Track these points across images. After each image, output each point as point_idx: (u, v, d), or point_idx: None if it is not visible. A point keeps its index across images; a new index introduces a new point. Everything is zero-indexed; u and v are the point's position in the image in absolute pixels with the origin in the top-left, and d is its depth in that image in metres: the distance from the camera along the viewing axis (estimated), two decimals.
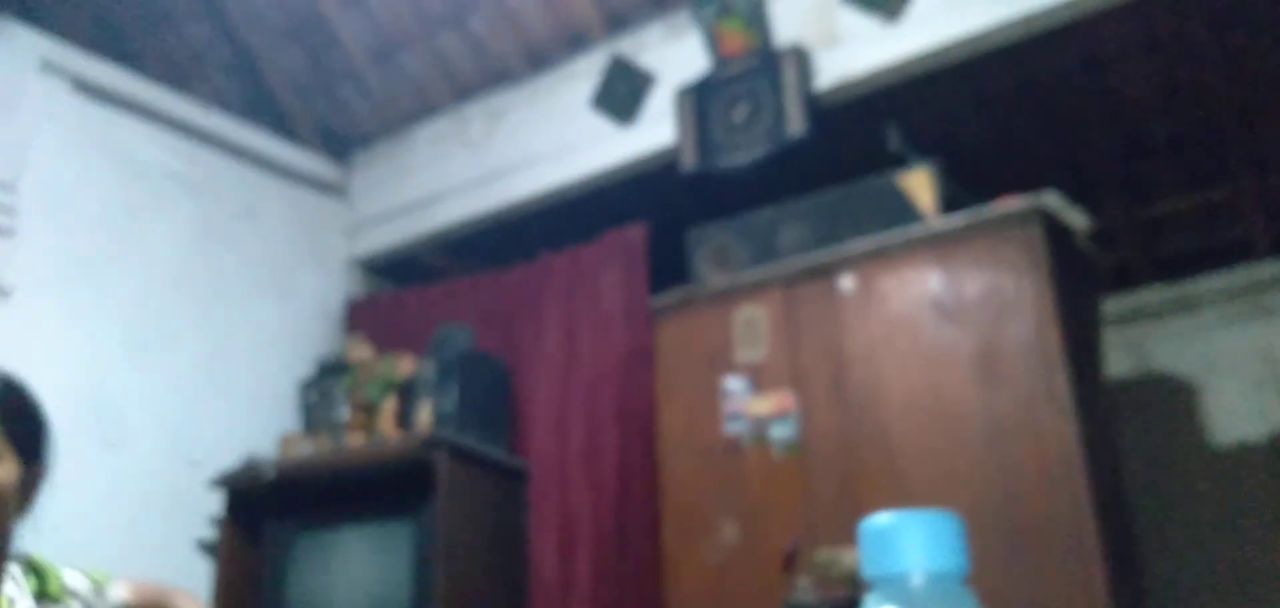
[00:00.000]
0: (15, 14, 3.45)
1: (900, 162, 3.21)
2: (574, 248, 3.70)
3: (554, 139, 3.83)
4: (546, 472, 3.43)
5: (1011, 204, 2.85)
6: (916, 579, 0.60)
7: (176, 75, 4.01)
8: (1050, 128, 3.72)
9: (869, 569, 0.62)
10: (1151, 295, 4.40)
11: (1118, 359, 4.31)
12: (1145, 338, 4.42)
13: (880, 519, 0.63)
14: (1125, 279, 4.39)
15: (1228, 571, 3.99)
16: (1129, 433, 3.97)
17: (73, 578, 1.50)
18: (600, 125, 3.73)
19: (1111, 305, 4.30)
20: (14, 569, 1.44)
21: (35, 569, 1.47)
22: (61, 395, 3.10)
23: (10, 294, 3.16)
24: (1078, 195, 3.08)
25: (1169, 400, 4.31)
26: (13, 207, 3.25)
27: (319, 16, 4.03)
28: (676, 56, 3.58)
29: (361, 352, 3.58)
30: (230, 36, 4.18)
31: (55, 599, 1.44)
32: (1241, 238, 4.11)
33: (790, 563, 2.93)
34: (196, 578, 3.31)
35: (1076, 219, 2.94)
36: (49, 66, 3.48)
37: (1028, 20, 2.93)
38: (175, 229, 3.64)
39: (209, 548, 3.32)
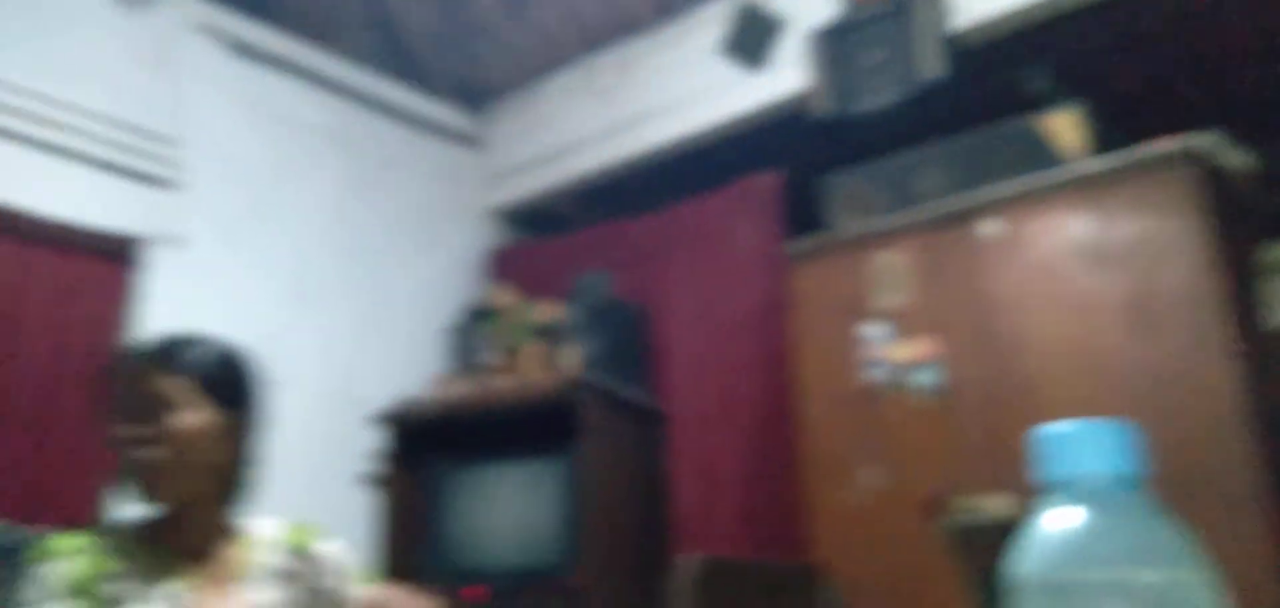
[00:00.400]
0: None
1: (1042, 103, 3.15)
2: (706, 196, 3.75)
3: (683, 87, 3.86)
4: (686, 416, 3.52)
5: (1168, 145, 2.78)
6: (1096, 482, 0.62)
7: (319, 33, 4.16)
8: (1205, 65, 3.58)
9: (1046, 474, 0.64)
10: None
11: None
12: None
13: (1057, 425, 0.64)
14: None
15: None
16: None
17: (326, 546, 1.62)
18: (729, 72, 3.74)
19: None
20: (267, 520, 1.58)
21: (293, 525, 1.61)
22: (234, 331, 3.31)
23: (184, 245, 3.36)
24: (1238, 136, 2.99)
25: None
26: (179, 161, 3.45)
27: None
28: (806, 1, 3.56)
29: (506, 298, 3.71)
30: None
31: (307, 557, 1.57)
32: None
33: (934, 509, 2.97)
34: (358, 509, 3.51)
35: (1236, 160, 2.85)
36: (206, 29, 3.66)
37: None
38: (326, 182, 3.82)
39: (369, 481, 3.52)
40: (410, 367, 3.80)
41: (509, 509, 3.39)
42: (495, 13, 4.19)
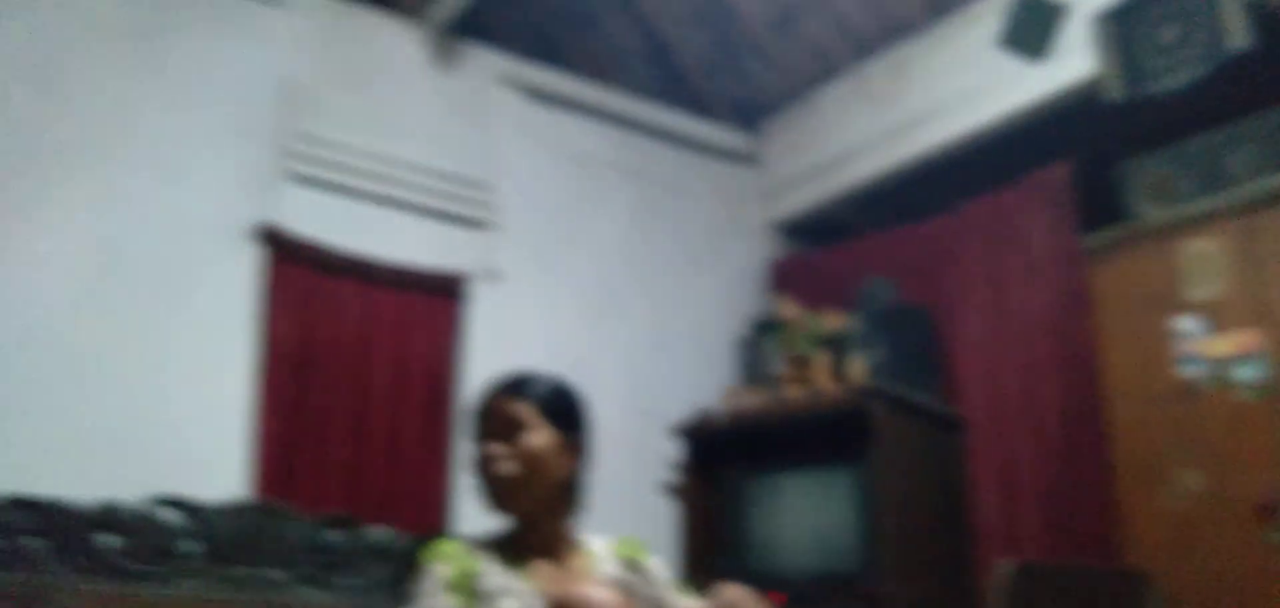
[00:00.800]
0: (474, 37, 4.03)
1: None
2: (992, 193, 3.66)
3: (959, 85, 3.79)
4: (982, 421, 3.46)
5: None
6: None
7: (601, 71, 4.46)
8: None
9: None
10: None
11: None
12: None
13: None
14: None
15: None
16: None
17: (653, 560, 1.79)
18: (1008, 65, 3.63)
19: None
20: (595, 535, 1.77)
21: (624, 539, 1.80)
22: (546, 361, 3.62)
23: (499, 278, 3.74)
24: None
25: None
26: (492, 203, 3.83)
27: None
28: None
29: (791, 309, 3.81)
30: (643, 28, 4.56)
31: (639, 569, 1.75)
32: None
33: (1268, 514, 2.74)
34: (658, 515, 3.74)
35: None
36: (507, 80, 4.04)
37: None
38: (619, 210, 4.11)
39: (668, 489, 3.74)
40: (702, 379, 3.99)
41: (803, 517, 3.48)
42: (765, 32, 4.31)
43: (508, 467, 1.65)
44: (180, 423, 3.07)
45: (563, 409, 1.77)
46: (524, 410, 1.69)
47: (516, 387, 1.73)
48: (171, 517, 2.79)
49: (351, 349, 3.38)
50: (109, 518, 2.70)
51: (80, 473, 2.76)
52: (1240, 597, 2.79)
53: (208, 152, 3.31)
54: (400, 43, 3.81)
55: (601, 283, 3.98)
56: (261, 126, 3.42)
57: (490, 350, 3.60)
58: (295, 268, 3.36)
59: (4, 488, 2.62)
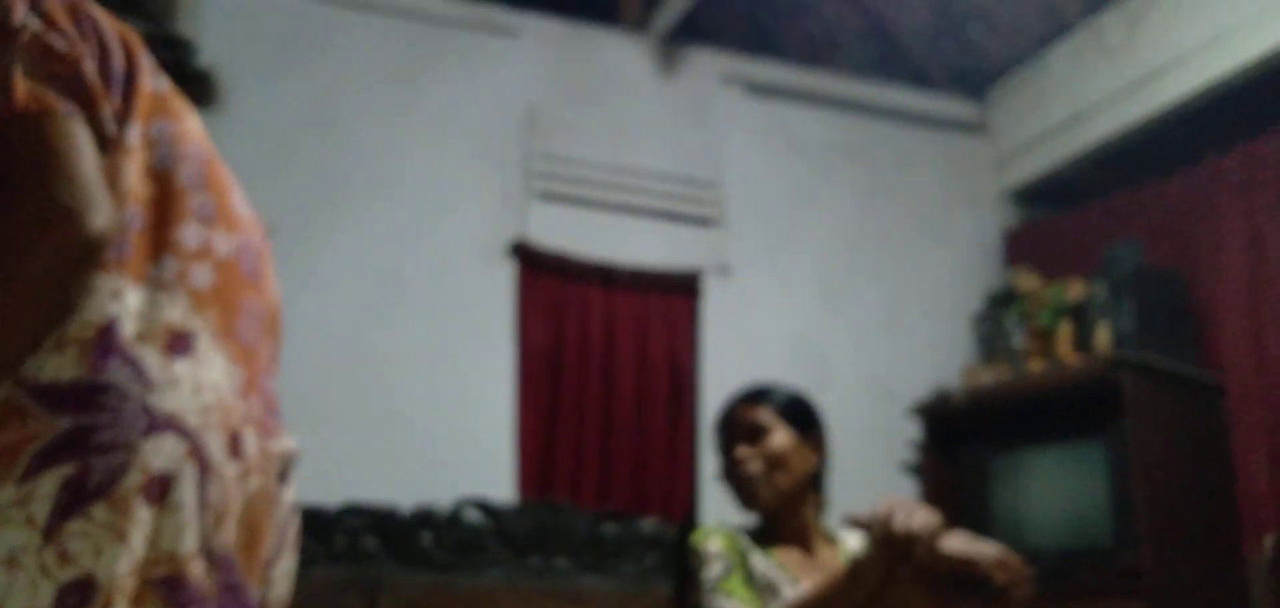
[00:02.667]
0: (695, 40, 4.19)
1: None
2: (1249, 142, 3.42)
3: (1206, 28, 3.55)
4: (1246, 387, 3.27)
5: None
6: None
7: (819, 55, 4.50)
8: None
9: None
10: None
11: None
12: None
13: None
14: None
15: None
16: None
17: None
18: (1262, 2, 3.38)
19: None
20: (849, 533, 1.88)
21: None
22: (780, 350, 3.78)
23: (730, 273, 3.89)
24: None
25: None
26: (720, 200, 3.99)
27: None
28: None
29: (1028, 280, 3.74)
30: (859, 6, 4.55)
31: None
32: None
33: None
34: (902, 494, 3.78)
35: None
36: (727, 77, 4.17)
37: None
38: (844, 193, 4.15)
39: (910, 469, 3.77)
40: (938, 356, 3.97)
41: (1051, 493, 3.41)
42: None
43: (754, 467, 1.83)
44: (453, 426, 3.45)
45: (800, 412, 1.92)
46: (765, 415, 1.86)
47: (756, 396, 1.90)
48: (475, 516, 3.21)
49: (597, 350, 3.65)
50: (426, 519, 3.14)
51: (372, 476, 3.17)
52: None
53: (465, 178, 3.67)
54: (626, 55, 4.04)
55: (831, 268, 4.04)
56: (509, 150, 3.75)
57: (725, 345, 3.77)
58: (544, 278, 3.66)
59: (310, 493, 3.06)
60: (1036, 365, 3.54)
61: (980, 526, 3.55)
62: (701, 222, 3.94)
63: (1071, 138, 4.05)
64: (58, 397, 0.84)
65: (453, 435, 3.44)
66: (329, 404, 3.24)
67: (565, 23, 4.00)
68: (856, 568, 1.57)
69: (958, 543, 1.59)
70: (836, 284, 4.02)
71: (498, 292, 3.61)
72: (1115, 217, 3.82)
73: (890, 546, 1.52)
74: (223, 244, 1.03)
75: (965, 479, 3.62)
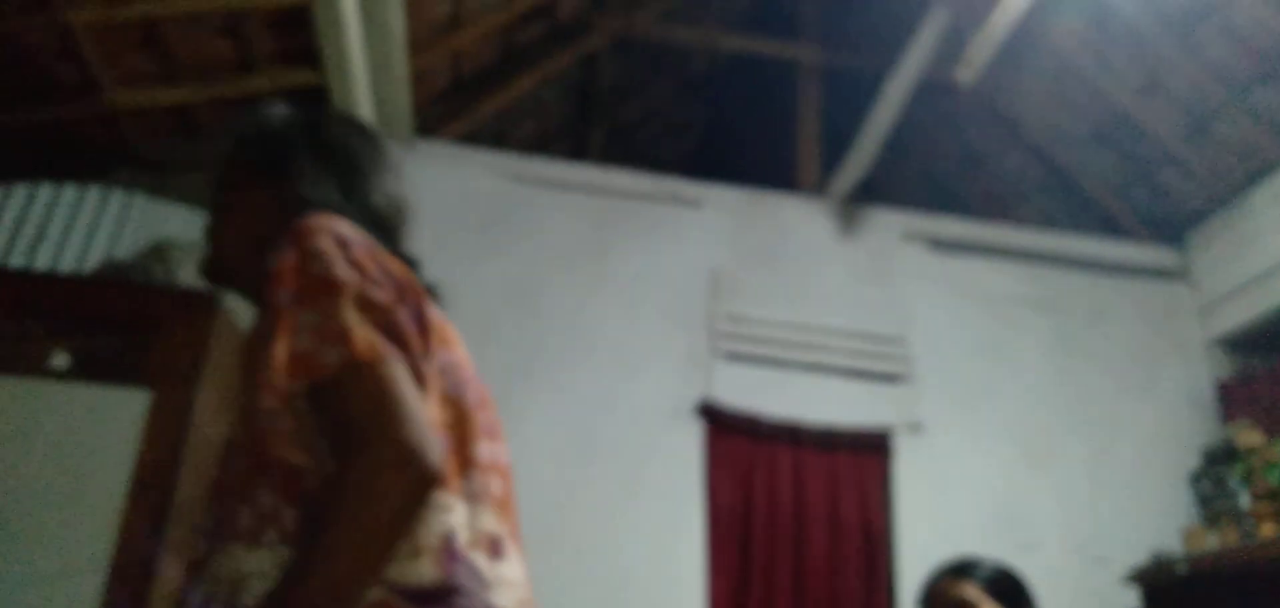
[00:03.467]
0: (874, 200, 4.23)
1: None
2: None
3: None
4: None
5: None
6: None
7: (1001, 208, 4.46)
8: None
9: None
10: None
11: None
12: None
13: None
14: None
15: None
16: None
17: None
18: None
19: None
20: None
21: None
22: (977, 509, 3.64)
23: (921, 431, 3.81)
24: None
25: None
26: (908, 356, 3.94)
27: (1120, 114, 4.13)
28: None
29: (1250, 435, 3.49)
30: (1039, 158, 4.51)
31: None
32: None
33: None
34: None
35: None
36: (909, 235, 4.18)
37: None
38: (1037, 346, 4.03)
39: None
40: (1151, 519, 3.73)
41: None
42: (1177, 143, 4.09)
43: None
44: (645, 584, 3.47)
45: (1008, 586, 1.87)
46: (971, 591, 1.82)
47: (961, 569, 1.87)
48: None
49: (787, 511, 3.62)
50: None
51: None
52: None
53: (653, 343, 3.79)
54: (807, 218, 4.12)
55: (1026, 424, 3.90)
56: (694, 314, 3.86)
57: (919, 505, 3.67)
58: (732, 438, 3.69)
59: None
60: (1269, 529, 3.27)
61: None
62: (889, 378, 3.90)
63: (1276, 286, 3.82)
64: (423, 597, 0.97)
65: (644, 594, 3.46)
66: (528, 564, 3.32)
67: (746, 191, 4.13)
68: None
69: None
70: (1034, 441, 3.86)
71: (686, 451, 3.66)
72: None
73: None
74: (501, 454, 1.16)
75: None
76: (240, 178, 1.23)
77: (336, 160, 1.22)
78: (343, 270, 1.01)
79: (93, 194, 3.45)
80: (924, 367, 3.93)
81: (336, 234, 1.04)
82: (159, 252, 2.77)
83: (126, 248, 3.31)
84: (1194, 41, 3.75)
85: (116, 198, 3.48)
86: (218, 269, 1.24)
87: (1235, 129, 3.93)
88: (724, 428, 3.71)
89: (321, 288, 0.99)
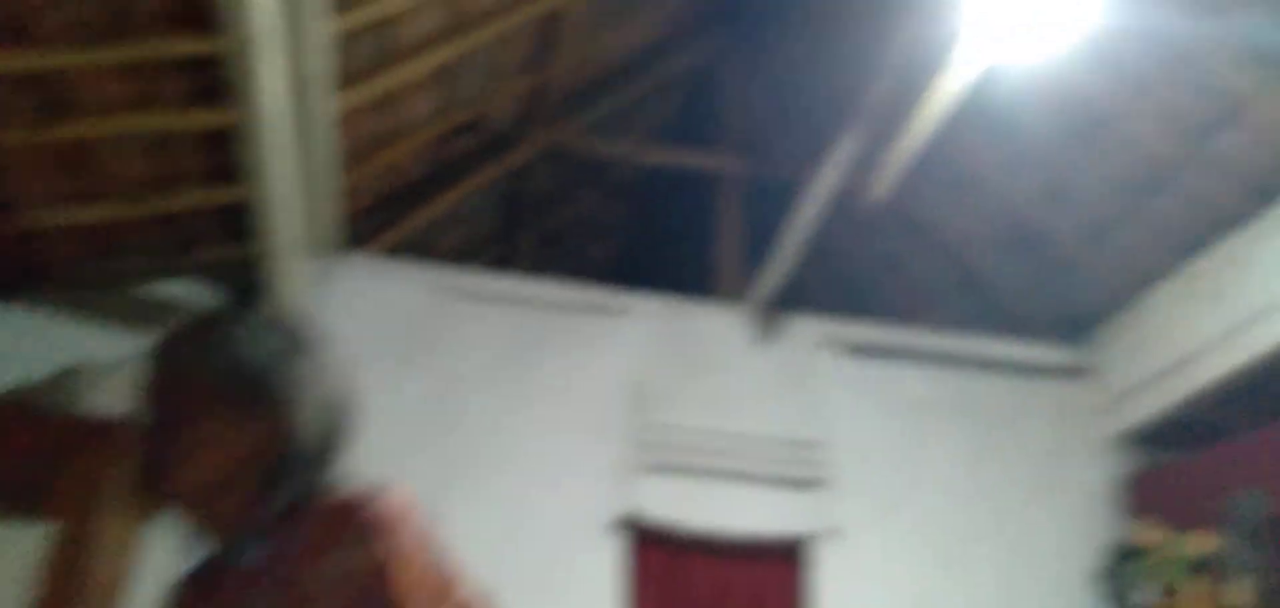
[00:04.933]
0: (794, 307, 4.36)
1: None
2: None
3: None
4: None
5: None
6: None
7: (915, 313, 4.62)
8: None
9: None
10: None
11: None
12: None
13: None
14: None
15: None
16: None
17: None
18: None
19: None
20: None
21: None
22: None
23: (840, 535, 3.89)
24: None
25: None
26: (827, 461, 4.03)
27: (1025, 222, 4.34)
28: None
29: (1150, 533, 3.63)
30: (953, 263, 4.69)
31: None
32: None
33: None
34: None
35: None
36: (826, 341, 4.31)
37: None
38: (950, 450, 4.15)
39: None
40: None
41: None
42: (1080, 248, 4.30)
43: None
44: None
45: None
46: None
47: None
48: None
49: None
50: None
51: None
52: None
53: (576, 454, 3.84)
54: (727, 326, 4.23)
55: (941, 526, 4.00)
56: (616, 424, 3.92)
57: (839, 601, 3.72)
58: (653, 550, 3.74)
59: None
60: None
61: None
62: (809, 484, 3.98)
63: (1180, 380, 4.00)
64: None
65: None
66: None
67: (669, 300, 4.24)
68: None
69: None
70: (948, 544, 3.96)
71: (605, 565, 3.69)
72: (1238, 461, 3.70)
73: None
74: None
75: None
76: (214, 406, 1.13)
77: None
78: (445, 563, 1.11)
79: (12, 314, 3.43)
80: (843, 472, 4.02)
81: (417, 517, 1.11)
82: (70, 377, 2.75)
83: (44, 369, 3.29)
84: (1095, 152, 3.98)
85: (35, 317, 3.46)
86: (176, 499, 1.14)
87: (1133, 236, 4.15)
88: (645, 541, 3.75)
89: (442, 588, 1.09)
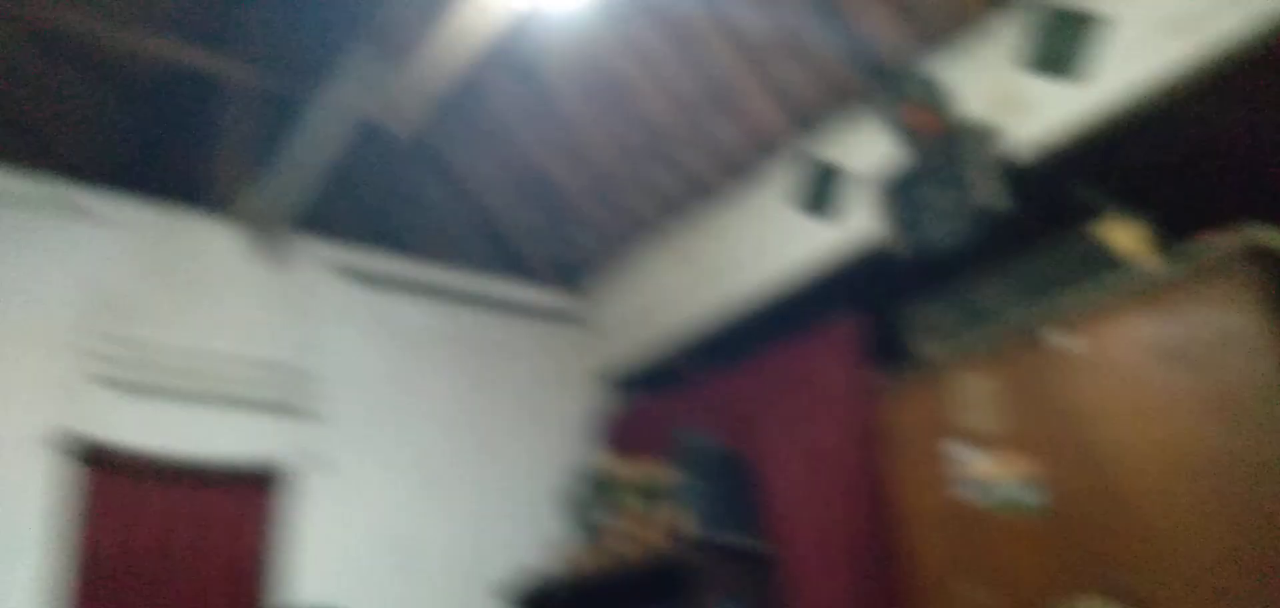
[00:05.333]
0: (309, 229, 4.15)
1: (1100, 214, 3.24)
2: (794, 340, 3.94)
3: (756, 241, 4.09)
4: (794, 553, 3.67)
5: (1224, 242, 2.83)
6: None
7: (434, 249, 4.63)
8: (1256, 162, 3.56)
9: None
10: None
11: None
12: None
13: None
14: None
15: None
16: None
17: None
18: (799, 222, 3.95)
19: None
20: None
21: None
22: (374, 537, 3.69)
23: (335, 468, 3.78)
24: None
25: None
26: (325, 393, 3.90)
27: (541, 172, 4.55)
28: (864, 146, 3.76)
29: (613, 463, 3.98)
30: (470, 204, 4.77)
31: None
32: None
33: None
34: None
35: None
36: (334, 268, 4.16)
37: (1221, 58, 2.93)
38: (447, 385, 4.22)
39: None
40: (531, 540, 4.09)
41: None
42: (583, 199, 4.58)
43: None
44: None
45: None
46: None
47: None
48: None
49: (161, 555, 3.37)
50: None
51: None
52: None
53: (14, 365, 3.31)
54: (221, 243, 3.90)
55: (434, 458, 4.06)
56: (71, 336, 3.44)
57: (325, 543, 3.63)
58: (105, 473, 3.35)
59: None
60: (620, 546, 3.75)
61: None
62: (295, 411, 3.82)
63: (654, 329, 4.45)
64: None
65: None
66: None
67: (151, 205, 3.79)
68: None
69: None
70: (439, 473, 4.04)
71: (43, 486, 3.25)
72: (693, 403, 4.20)
73: None
74: None
75: None
76: None
77: None
78: None
79: None
80: (336, 401, 3.92)
81: None
82: None
83: None
84: (608, 116, 4.24)
85: None
86: None
87: (631, 195, 4.50)
88: (96, 463, 3.36)
89: None
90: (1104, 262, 3.15)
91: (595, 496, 3.96)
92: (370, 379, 4.02)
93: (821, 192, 3.89)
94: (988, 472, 3.27)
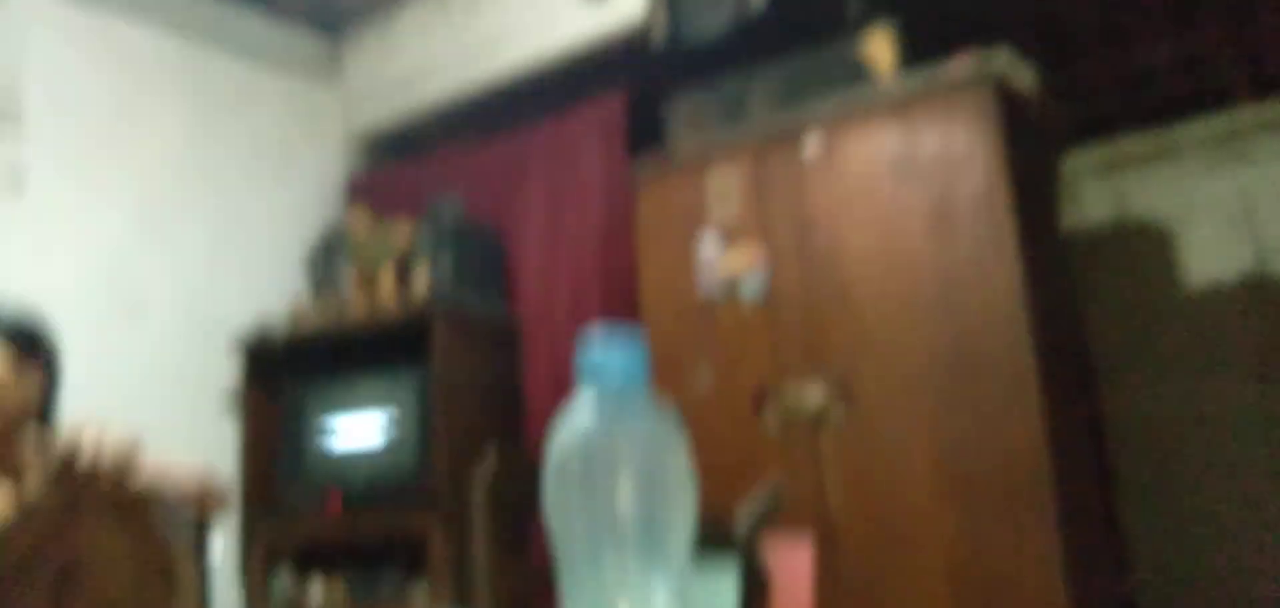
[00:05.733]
0: None
1: (860, 23, 3.32)
2: (555, 119, 3.87)
3: (528, 15, 3.94)
4: (537, 327, 3.70)
5: (963, 65, 2.98)
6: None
7: None
8: None
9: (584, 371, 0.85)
10: (1132, 145, 4.49)
11: (1098, 208, 4.44)
12: (1126, 187, 4.53)
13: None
14: (1105, 128, 4.48)
15: (1187, 402, 4.21)
16: (1104, 279, 4.15)
17: None
18: (571, 3, 3.83)
19: (1094, 156, 4.41)
20: None
21: None
22: (79, 275, 3.37)
23: (21, 184, 3.36)
24: (1057, 47, 3.18)
25: (1147, 246, 4.43)
26: (15, 92, 3.41)
27: None
28: None
29: (361, 223, 3.80)
30: None
31: None
32: (1223, 85, 4.17)
33: (759, 402, 3.19)
34: (223, 436, 3.63)
35: (1025, 78, 3.07)
36: None
37: None
38: (172, 119, 3.82)
39: (226, 406, 3.63)
40: (269, 293, 3.88)
41: (365, 425, 3.54)
42: None
43: None
44: None
45: (27, 334, 1.75)
46: None
47: None
48: None
49: None
50: None
51: None
52: (740, 470, 3.23)
53: None
54: None
55: (151, 191, 3.69)
56: None
57: (13, 263, 3.26)
58: None
59: None
60: (361, 305, 3.63)
61: (297, 459, 3.55)
62: None
63: (415, 93, 4.22)
64: None
65: None
66: None
67: None
68: (26, 506, 1.42)
69: (152, 468, 1.51)
70: (158, 209, 3.69)
71: None
72: (447, 171, 4.07)
73: (68, 476, 1.39)
74: None
75: (287, 415, 3.59)
76: None
77: None
78: None
79: None
80: (36, 114, 3.44)
81: None
82: None
83: None
84: None
85: None
86: None
87: None
88: None
89: None
90: (858, 72, 3.25)
91: (339, 254, 3.78)
92: (80, 100, 3.56)
93: None
94: (725, 263, 3.39)
